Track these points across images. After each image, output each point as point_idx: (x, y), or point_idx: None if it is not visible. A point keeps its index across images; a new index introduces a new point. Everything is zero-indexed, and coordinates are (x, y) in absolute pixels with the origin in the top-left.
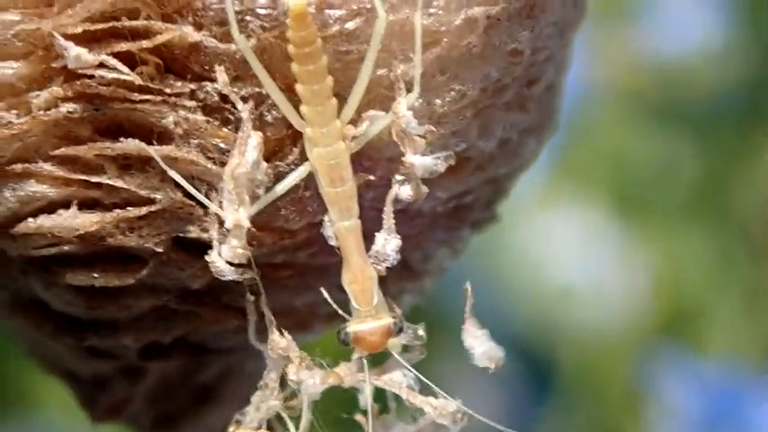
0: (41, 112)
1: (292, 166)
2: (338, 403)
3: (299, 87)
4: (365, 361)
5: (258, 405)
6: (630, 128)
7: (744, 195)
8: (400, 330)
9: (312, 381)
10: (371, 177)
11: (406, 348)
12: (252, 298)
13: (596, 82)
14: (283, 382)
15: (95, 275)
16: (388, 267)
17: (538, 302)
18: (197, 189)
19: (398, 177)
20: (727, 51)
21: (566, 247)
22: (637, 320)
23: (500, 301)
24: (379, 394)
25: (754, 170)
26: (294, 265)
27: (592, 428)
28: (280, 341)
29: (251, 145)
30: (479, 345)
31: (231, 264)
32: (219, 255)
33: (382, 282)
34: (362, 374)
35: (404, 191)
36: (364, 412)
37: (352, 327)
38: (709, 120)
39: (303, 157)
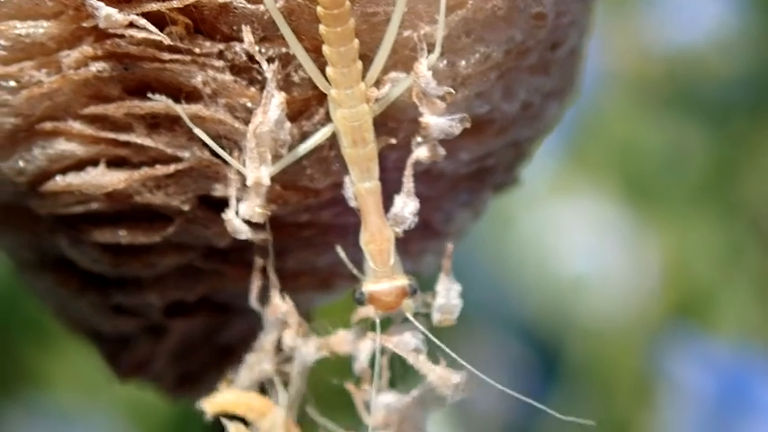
0: (71, 71)
1: (318, 127)
2: (332, 371)
3: (325, 49)
4: (378, 321)
5: (252, 366)
6: (641, 116)
7: (754, 183)
8: (414, 292)
9: (306, 349)
10: (393, 141)
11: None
12: (260, 262)
13: (607, 71)
14: (279, 347)
15: (122, 233)
16: (408, 228)
17: (548, 290)
18: (224, 148)
19: (417, 139)
20: (739, 40)
21: (576, 236)
22: (646, 308)
23: (510, 289)
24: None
25: (764, 158)
26: (318, 225)
27: (600, 415)
28: (281, 305)
29: (274, 104)
30: (444, 295)
31: (248, 223)
32: (236, 213)
33: (404, 243)
34: (362, 338)
35: (421, 152)
36: (356, 382)
37: (368, 286)
38: (720, 108)
39: (328, 118)
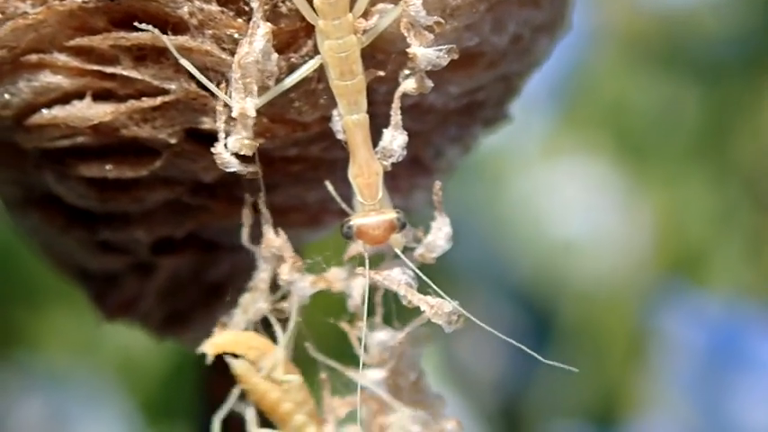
0: (56, 2)
1: (306, 58)
2: (324, 310)
3: None
4: (366, 255)
5: (246, 307)
6: (634, 76)
7: (747, 142)
8: (403, 226)
9: (303, 283)
10: (382, 73)
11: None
12: (250, 199)
13: (600, 29)
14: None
15: (108, 167)
16: (399, 163)
17: (540, 252)
18: (211, 80)
19: (405, 71)
20: None
21: (568, 197)
22: (639, 268)
23: (503, 252)
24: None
25: (757, 117)
26: (307, 159)
27: (593, 376)
28: (274, 240)
29: (260, 34)
30: (434, 233)
31: (237, 155)
32: (225, 146)
33: (394, 179)
34: (354, 276)
35: (408, 84)
36: (350, 319)
37: (356, 220)
38: (713, 67)
39: (316, 50)
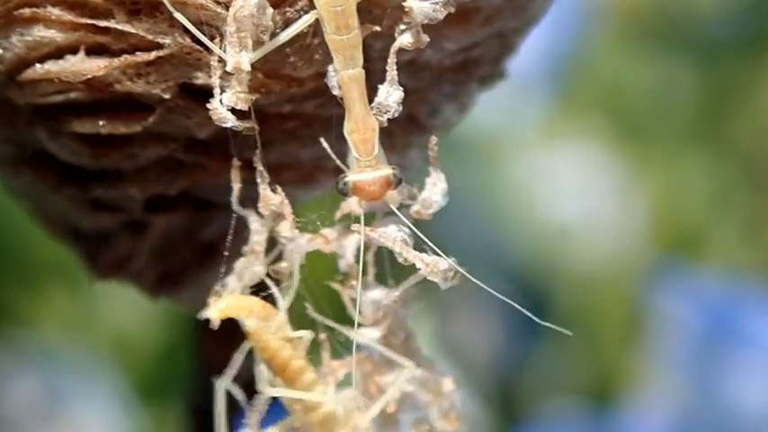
0: None
1: (301, 13)
2: (315, 273)
3: None
4: (361, 211)
5: (241, 272)
6: (630, 56)
7: (744, 123)
8: (399, 182)
9: (302, 240)
10: (377, 28)
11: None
12: (237, 164)
13: (597, 9)
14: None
15: (102, 123)
16: (394, 120)
17: (537, 235)
18: (206, 35)
19: (401, 26)
20: None
21: (565, 180)
22: (636, 251)
23: (498, 236)
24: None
25: (754, 98)
26: (302, 116)
27: (588, 361)
28: (272, 196)
29: None
30: (429, 189)
31: (233, 111)
32: (221, 101)
33: (390, 136)
34: (347, 234)
35: (405, 38)
36: (342, 280)
37: (352, 176)
38: (710, 47)
39: (312, 5)
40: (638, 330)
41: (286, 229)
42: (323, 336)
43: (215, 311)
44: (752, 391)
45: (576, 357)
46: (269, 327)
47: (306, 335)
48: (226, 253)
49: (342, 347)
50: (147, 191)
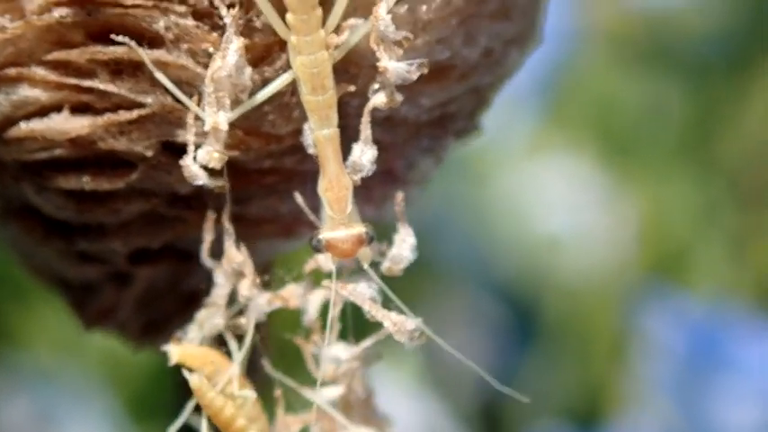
0: (34, 17)
1: (280, 72)
2: (280, 326)
3: None
4: (333, 268)
5: (202, 323)
6: (618, 74)
7: (731, 141)
8: (371, 240)
9: (261, 299)
10: (353, 88)
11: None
12: (212, 216)
13: (584, 27)
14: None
15: (86, 179)
16: (371, 175)
17: (525, 248)
18: (186, 94)
19: (374, 85)
20: None
21: (552, 193)
22: (623, 266)
23: (487, 248)
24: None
25: (741, 116)
26: (281, 171)
27: (577, 374)
28: (236, 255)
29: (233, 49)
30: (398, 245)
31: (206, 169)
32: (194, 158)
33: (367, 190)
34: (312, 290)
35: (378, 98)
36: (305, 335)
37: (325, 233)
38: (698, 66)
39: (290, 64)
40: (625, 349)
41: (245, 287)
42: (278, 392)
43: (173, 355)
44: (736, 415)
45: (563, 372)
46: (215, 383)
47: (250, 395)
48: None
49: (301, 402)
50: (131, 244)
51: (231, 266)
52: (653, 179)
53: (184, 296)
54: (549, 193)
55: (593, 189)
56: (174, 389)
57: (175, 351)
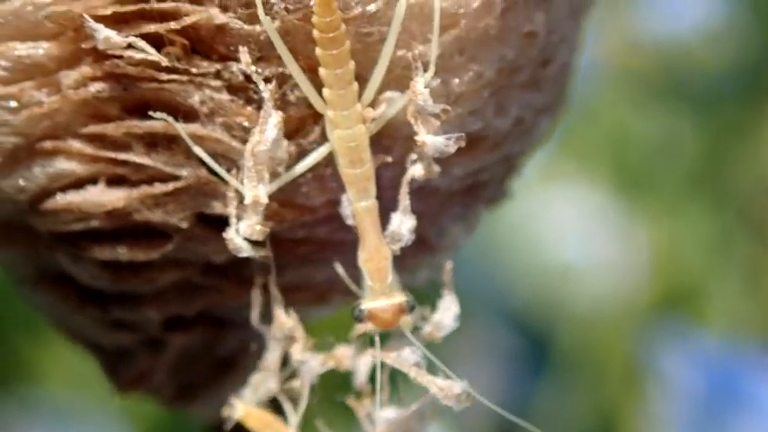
0: (71, 92)
1: (314, 144)
2: (331, 388)
3: (321, 71)
4: (377, 338)
5: (256, 386)
6: (631, 107)
7: (743, 174)
8: (412, 309)
9: (315, 362)
10: (389, 159)
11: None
12: (260, 281)
13: (598, 61)
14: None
15: (121, 250)
16: (405, 245)
17: (538, 278)
18: (221, 166)
19: (412, 157)
20: (727, 30)
21: (566, 224)
22: (636, 297)
23: (500, 277)
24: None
25: (753, 149)
26: (315, 241)
27: (590, 403)
28: (286, 321)
29: (271, 124)
30: (441, 312)
31: (248, 240)
32: (237, 231)
33: (400, 257)
34: (362, 354)
35: (416, 170)
36: (356, 396)
37: (367, 304)
38: (710, 99)
39: (324, 136)
40: (638, 379)
41: (298, 351)
42: None
43: (237, 411)
44: None
45: (576, 401)
46: None
47: None
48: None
49: None
50: (165, 312)
51: (282, 332)
52: (665, 210)
53: (218, 361)
54: (562, 223)
55: (605, 219)
56: (192, 424)
57: (240, 408)
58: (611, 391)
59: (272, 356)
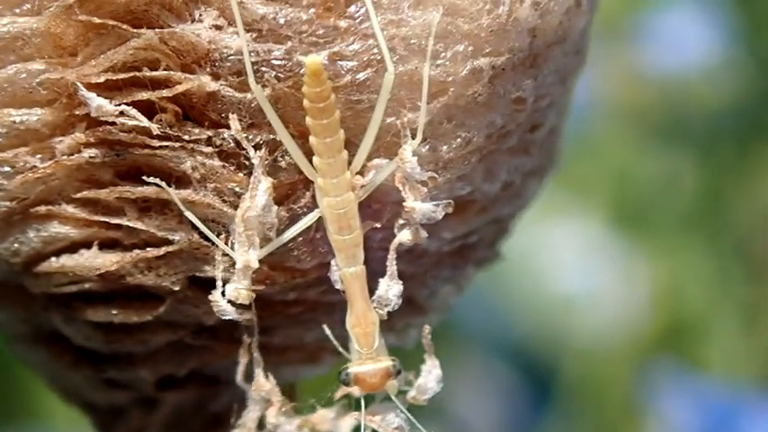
0: (65, 157)
1: (305, 209)
2: None
3: (312, 140)
4: (362, 400)
5: None
6: (631, 143)
7: (743, 211)
8: (398, 373)
9: (289, 426)
10: (378, 225)
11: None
12: (247, 340)
13: (597, 98)
14: (260, 424)
15: (114, 312)
16: (393, 310)
17: (538, 312)
18: (212, 231)
19: (400, 222)
20: (727, 68)
21: (566, 259)
22: (636, 333)
23: (501, 311)
24: None
25: (753, 186)
26: (305, 302)
27: None
28: (264, 383)
29: (261, 190)
30: (424, 376)
31: (234, 303)
32: (223, 294)
33: (389, 318)
34: (343, 416)
35: (404, 235)
36: None
37: (354, 368)
38: (709, 136)
39: (315, 201)
40: (638, 416)
41: (272, 415)
42: None
43: None
44: None
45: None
46: None
47: None
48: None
49: None
50: (158, 372)
51: (259, 393)
52: (665, 247)
53: (210, 418)
54: (562, 258)
55: (606, 254)
56: None
57: None
58: (611, 425)
59: (250, 416)
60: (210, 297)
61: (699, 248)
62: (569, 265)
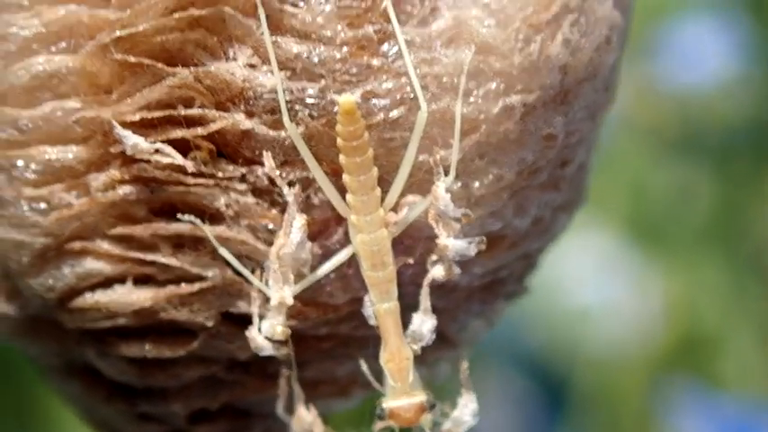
0: (99, 194)
1: (337, 245)
2: None
3: (345, 177)
4: None
5: None
6: (647, 157)
7: (758, 225)
8: (433, 407)
9: None
10: (411, 260)
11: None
12: (286, 373)
13: (614, 112)
14: None
15: (148, 347)
16: (427, 345)
17: (554, 324)
18: (246, 267)
19: (433, 258)
20: (743, 83)
21: (582, 273)
22: (651, 346)
23: (516, 322)
24: None
25: None
26: (337, 337)
27: None
28: (306, 417)
29: (295, 227)
30: (460, 409)
31: (270, 339)
32: (259, 330)
33: (421, 351)
34: None
35: (437, 271)
36: None
37: (389, 403)
38: (726, 151)
39: (347, 237)
40: (652, 428)
41: None
42: None
43: None
44: None
45: None
46: None
47: None
48: None
49: None
50: (191, 406)
51: (302, 426)
52: (681, 262)
53: None
54: (578, 271)
55: (622, 268)
56: None
57: None
58: None
59: None
60: (247, 333)
61: (714, 262)
62: (585, 277)
